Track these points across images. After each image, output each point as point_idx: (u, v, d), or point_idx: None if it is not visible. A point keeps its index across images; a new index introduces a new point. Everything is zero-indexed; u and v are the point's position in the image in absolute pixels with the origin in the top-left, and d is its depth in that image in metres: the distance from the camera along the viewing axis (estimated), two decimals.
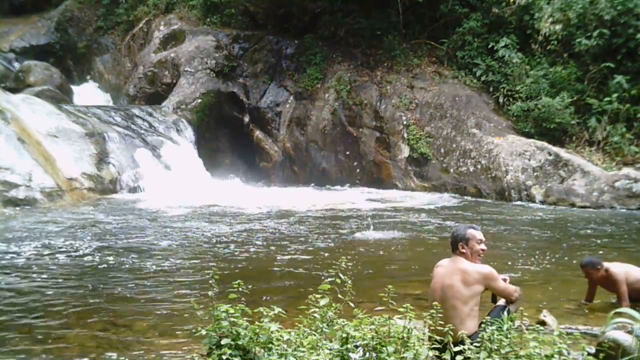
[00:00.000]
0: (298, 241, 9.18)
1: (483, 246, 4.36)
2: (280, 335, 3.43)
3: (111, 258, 7.82)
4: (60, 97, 17.81)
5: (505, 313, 4.14)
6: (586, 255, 6.29)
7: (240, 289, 3.65)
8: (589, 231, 10.45)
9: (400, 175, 16.16)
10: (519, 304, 4.39)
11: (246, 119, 18.27)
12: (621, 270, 5.81)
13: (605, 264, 5.84)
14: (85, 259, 7.75)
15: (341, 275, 3.77)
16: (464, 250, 4.29)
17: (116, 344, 4.78)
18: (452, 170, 15.44)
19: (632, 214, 12.33)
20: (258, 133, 18.16)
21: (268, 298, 5.96)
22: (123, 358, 4.51)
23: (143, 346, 4.75)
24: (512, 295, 4.35)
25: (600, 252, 8.39)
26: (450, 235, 4.42)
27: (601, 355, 3.69)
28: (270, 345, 3.40)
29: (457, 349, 3.38)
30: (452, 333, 3.52)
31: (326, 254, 8.17)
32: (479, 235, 4.35)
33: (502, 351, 3.35)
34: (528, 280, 6.92)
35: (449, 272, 4.24)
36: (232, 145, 18.13)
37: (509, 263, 7.79)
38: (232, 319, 3.48)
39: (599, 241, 9.43)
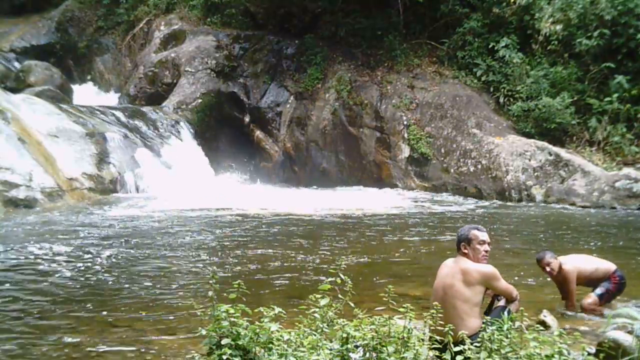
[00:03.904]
0: (298, 241, 9.18)
1: (486, 247, 4.34)
2: (281, 335, 3.44)
3: (111, 258, 7.82)
4: (60, 97, 17.81)
5: (506, 313, 4.14)
6: (541, 250, 6.21)
7: (240, 289, 3.65)
8: (589, 231, 10.44)
9: (401, 175, 16.15)
10: (519, 304, 4.39)
11: (247, 119, 18.28)
12: (572, 266, 5.70)
13: (560, 259, 5.73)
14: (85, 259, 7.74)
15: (341, 275, 3.77)
16: (465, 251, 4.31)
17: (116, 344, 4.78)
18: (452, 170, 15.44)
19: (633, 214, 12.33)
20: (258, 133, 18.18)
21: (268, 295, 5.96)
22: (123, 358, 4.52)
23: (143, 346, 4.75)
24: (512, 293, 4.36)
25: (600, 253, 8.37)
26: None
27: (601, 355, 3.69)
28: (270, 345, 3.40)
29: (457, 349, 3.38)
30: (452, 333, 3.52)
31: (327, 254, 8.17)
32: (482, 236, 4.34)
33: (502, 351, 3.35)
34: (528, 280, 6.92)
35: (450, 272, 4.25)
36: (233, 145, 18.13)
37: (509, 263, 7.79)
38: (232, 319, 3.48)
39: (599, 241, 9.42)
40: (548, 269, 5.70)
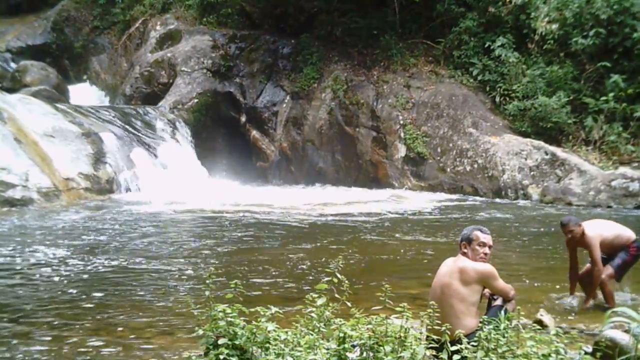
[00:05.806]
0: (295, 241, 9.17)
1: (486, 250, 4.32)
2: (278, 335, 3.43)
3: (108, 258, 7.80)
4: (56, 97, 17.77)
5: (502, 312, 4.14)
6: (567, 215, 6.31)
7: (237, 288, 3.65)
8: None
9: (397, 174, 16.15)
10: (515, 304, 4.40)
11: (243, 118, 18.25)
12: (596, 233, 5.73)
13: (584, 224, 5.77)
14: (82, 259, 7.72)
15: (338, 275, 3.76)
16: (465, 250, 4.31)
17: (114, 344, 4.77)
18: (448, 169, 15.45)
19: (629, 213, 12.35)
20: (255, 133, 18.14)
21: (265, 295, 5.96)
22: (121, 358, 4.51)
23: (141, 346, 4.74)
24: (509, 293, 4.36)
25: None
26: None
27: (598, 354, 3.69)
28: (267, 344, 3.40)
29: (454, 348, 3.38)
30: (449, 332, 3.52)
31: (324, 254, 8.16)
32: (483, 238, 4.33)
33: (499, 350, 3.35)
34: (525, 279, 6.93)
35: (448, 271, 4.25)
36: (229, 145, 18.10)
37: (507, 262, 7.80)
38: (229, 319, 3.47)
39: None
40: (570, 235, 5.75)
